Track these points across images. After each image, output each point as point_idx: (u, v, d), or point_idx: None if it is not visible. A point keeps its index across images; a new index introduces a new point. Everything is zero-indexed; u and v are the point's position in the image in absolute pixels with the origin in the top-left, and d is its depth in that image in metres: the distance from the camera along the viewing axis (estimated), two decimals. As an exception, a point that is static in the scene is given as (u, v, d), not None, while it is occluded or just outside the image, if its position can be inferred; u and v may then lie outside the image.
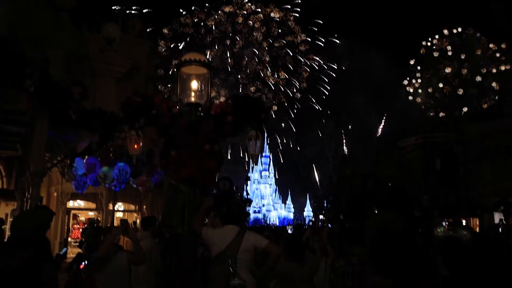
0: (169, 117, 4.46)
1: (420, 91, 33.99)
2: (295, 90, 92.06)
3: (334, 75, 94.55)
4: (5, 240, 8.87)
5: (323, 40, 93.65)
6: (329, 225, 15.46)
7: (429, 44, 33.58)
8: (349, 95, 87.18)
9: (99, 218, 15.59)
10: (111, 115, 7.76)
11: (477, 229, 21.66)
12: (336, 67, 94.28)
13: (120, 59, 17.30)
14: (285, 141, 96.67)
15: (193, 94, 4.60)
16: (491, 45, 31.32)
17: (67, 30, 12.56)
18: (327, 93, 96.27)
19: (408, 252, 1.73)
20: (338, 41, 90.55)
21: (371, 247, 1.75)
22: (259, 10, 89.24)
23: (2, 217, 11.76)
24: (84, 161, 9.63)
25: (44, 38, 10.65)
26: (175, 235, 7.91)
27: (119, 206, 18.30)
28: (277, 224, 69.92)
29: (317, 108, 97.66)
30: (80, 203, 17.51)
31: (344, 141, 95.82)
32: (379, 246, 1.72)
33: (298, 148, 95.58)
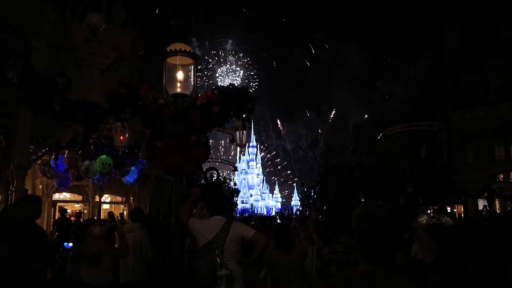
0: (155, 108, 4.43)
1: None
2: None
3: (310, 66, 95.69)
4: None
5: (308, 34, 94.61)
6: (318, 214, 15.60)
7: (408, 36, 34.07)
8: (330, 87, 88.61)
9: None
10: (96, 106, 7.68)
11: (462, 216, 22.09)
12: (317, 61, 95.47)
13: (105, 50, 17.06)
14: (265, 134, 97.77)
15: (178, 84, 4.57)
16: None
17: (50, 20, 12.34)
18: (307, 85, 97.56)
19: (398, 239, 1.77)
20: (327, 47, 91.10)
21: (360, 235, 1.77)
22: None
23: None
24: (65, 156, 9.49)
25: (27, 28, 10.46)
26: (161, 225, 7.93)
27: (106, 198, 18.18)
28: (265, 213, 70.24)
29: (297, 99, 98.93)
30: (66, 195, 17.32)
31: (319, 131, 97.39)
32: (369, 233, 1.73)
33: (276, 140, 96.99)
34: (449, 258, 3.23)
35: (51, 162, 10.18)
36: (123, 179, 12.26)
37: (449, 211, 21.50)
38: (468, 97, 28.43)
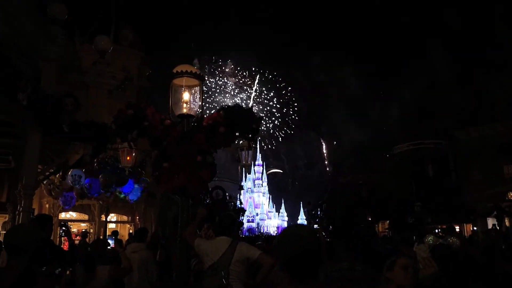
0: (161, 129, 4.48)
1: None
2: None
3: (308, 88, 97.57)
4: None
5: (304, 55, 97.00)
6: (323, 233, 15.49)
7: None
8: (328, 108, 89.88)
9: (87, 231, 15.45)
10: (103, 127, 7.77)
11: (471, 235, 21.80)
12: (316, 82, 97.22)
13: (112, 71, 17.32)
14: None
15: (185, 105, 4.63)
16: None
17: (59, 43, 12.61)
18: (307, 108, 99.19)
19: (319, 258, 1.99)
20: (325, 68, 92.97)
21: (284, 256, 1.94)
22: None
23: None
24: (69, 173, 9.62)
25: (36, 51, 10.68)
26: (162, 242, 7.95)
27: (112, 217, 18.18)
28: (271, 233, 69.61)
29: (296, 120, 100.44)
30: (72, 214, 17.36)
31: (324, 151, 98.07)
32: (293, 253, 1.90)
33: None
34: (455, 279, 3.20)
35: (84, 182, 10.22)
36: (126, 197, 12.34)
37: (457, 230, 21.24)
38: (473, 115, 28.35)
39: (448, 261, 3.57)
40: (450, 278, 3.03)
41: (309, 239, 1.92)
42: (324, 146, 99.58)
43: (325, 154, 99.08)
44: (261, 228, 77.06)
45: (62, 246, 16.79)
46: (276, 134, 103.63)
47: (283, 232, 2.04)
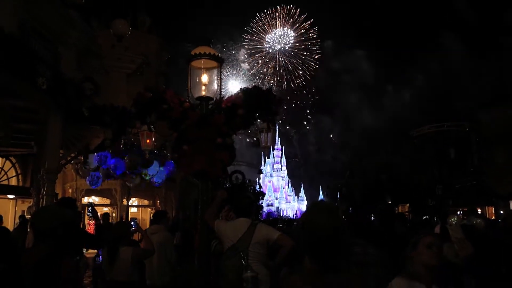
0: (180, 111, 4.46)
1: None
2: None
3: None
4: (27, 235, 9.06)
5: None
6: (343, 217, 15.44)
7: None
8: (343, 91, 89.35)
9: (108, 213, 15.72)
10: (122, 111, 7.83)
11: (493, 218, 21.48)
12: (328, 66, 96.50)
13: (131, 55, 17.40)
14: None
15: (203, 88, 4.59)
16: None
17: (77, 27, 12.66)
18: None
19: (339, 243, 1.89)
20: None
21: (306, 244, 1.92)
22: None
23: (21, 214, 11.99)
24: (95, 154, 9.84)
25: (55, 36, 10.74)
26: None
27: (133, 201, 18.47)
28: (291, 216, 69.88)
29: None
30: (94, 199, 17.70)
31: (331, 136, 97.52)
32: (311, 244, 1.88)
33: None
34: (482, 261, 3.13)
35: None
36: (152, 180, 12.47)
37: (479, 213, 20.89)
38: (496, 95, 27.58)
39: (476, 242, 3.48)
40: (479, 259, 2.97)
41: (327, 225, 1.84)
42: (338, 131, 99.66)
43: (335, 139, 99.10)
44: (281, 212, 77.45)
45: (87, 229, 17.21)
46: (293, 128, 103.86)
47: (302, 218, 1.99)
